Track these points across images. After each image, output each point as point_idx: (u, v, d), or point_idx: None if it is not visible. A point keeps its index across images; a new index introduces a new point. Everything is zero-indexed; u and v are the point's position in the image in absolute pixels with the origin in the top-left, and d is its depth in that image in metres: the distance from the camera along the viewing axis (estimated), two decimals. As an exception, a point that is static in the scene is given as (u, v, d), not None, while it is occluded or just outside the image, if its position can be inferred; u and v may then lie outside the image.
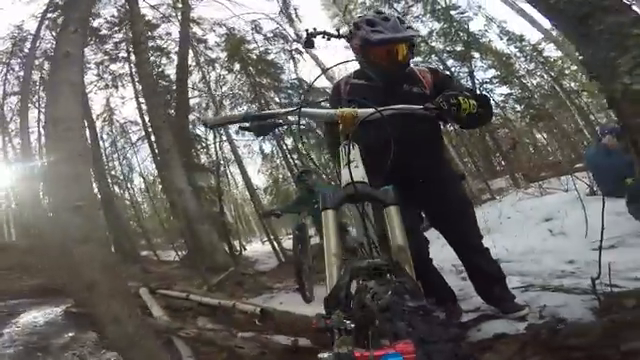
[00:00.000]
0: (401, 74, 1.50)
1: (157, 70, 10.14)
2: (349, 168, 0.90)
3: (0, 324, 3.63)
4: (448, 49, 10.61)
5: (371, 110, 0.98)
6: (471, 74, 10.23)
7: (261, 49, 10.54)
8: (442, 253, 2.07)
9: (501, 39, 10.55)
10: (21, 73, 9.49)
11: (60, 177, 1.77)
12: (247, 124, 1.01)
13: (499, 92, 11.00)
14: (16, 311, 4.24)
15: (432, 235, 1.88)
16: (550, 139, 11.58)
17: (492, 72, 10.76)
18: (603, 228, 1.41)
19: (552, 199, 4.52)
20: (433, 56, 10.63)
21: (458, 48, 10.41)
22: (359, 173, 0.93)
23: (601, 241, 1.35)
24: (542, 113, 10.17)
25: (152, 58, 9.83)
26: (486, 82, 10.71)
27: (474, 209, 1.73)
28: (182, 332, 2.53)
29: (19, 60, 9.65)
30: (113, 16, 9.92)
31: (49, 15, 8.81)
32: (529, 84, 10.74)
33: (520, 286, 2.04)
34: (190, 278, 6.37)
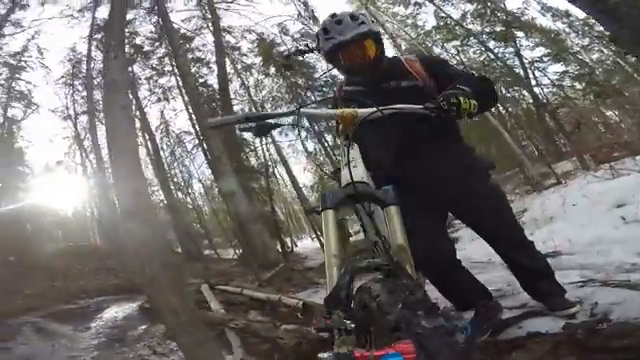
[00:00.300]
0: (381, 71, 1.41)
1: (200, 81, 10.83)
2: (349, 168, 0.89)
3: (88, 319, 4.28)
4: (487, 30, 9.96)
5: (371, 110, 0.97)
6: (517, 53, 9.51)
7: (292, 50, 10.74)
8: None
9: (544, 16, 9.74)
10: (84, 93, 10.66)
11: (123, 191, 2.03)
12: (247, 125, 1.03)
13: (553, 70, 10.16)
14: (101, 307, 4.96)
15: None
16: (623, 116, 10.16)
17: (541, 50, 9.93)
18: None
19: (625, 181, 3.96)
20: (472, 39, 10.04)
21: (498, 28, 9.72)
22: (359, 173, 0.92)
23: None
24: (608, 89, 9.06)
25: (194, 69, 10.50)
26: (536, 61, 9.92)
27: (507, 201, 1.58)
28: (233, 324, 2.74)
29: (80, 81, 10.90)
30: (151, 32, 10.74)
31: (95, 36, 9.79)
32: (587, 60, 9.74)
33: (578, 281, 1.86)
34: (245, 274, 6.80)
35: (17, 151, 10.51)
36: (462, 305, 1.51)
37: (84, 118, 11.14)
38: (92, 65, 9.78)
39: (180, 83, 10.67)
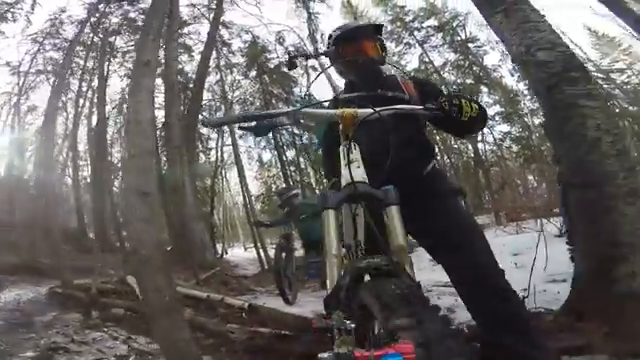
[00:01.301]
0: (378, 76, 1.46)
1: (178, 67, 10.22)
2: (349, 168, 0.89)
3: (-22, 300, 3.55)
4: (459, 81, 10.76)
5: (371, 110, 0.97)
6: (476, 110, 10.50)
7: (280, 60, 10.41)
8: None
9: (512, 75, 10.46)
10: (50, 54, 9.86)
11: (134, 168, 2.01)
12: (246, 124, 1.03)
13: (499, 129, 11.12)
14: (-4, 288, 4.13)
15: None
16: (540, 181, 11.64)
17: (496, 109, 10.78)
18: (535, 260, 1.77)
19: (525, 237, 4.92)
20: (443, 87, 10.87)
21: (468, 81, 10.57)
22: (359, 173, 0.91)
23: (531, 271, 1.69)
24: (536, 155, 10.14)
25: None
26: (489, 118, 10.70)
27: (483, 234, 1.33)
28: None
29: (54, 42, 9.93)
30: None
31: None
32: (530, 123, 10.66)
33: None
34: (174, 272, 6.40)
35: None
36: None
37: (32, 77, 10.18)
38: (82, 32, 9.09)
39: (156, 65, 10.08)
